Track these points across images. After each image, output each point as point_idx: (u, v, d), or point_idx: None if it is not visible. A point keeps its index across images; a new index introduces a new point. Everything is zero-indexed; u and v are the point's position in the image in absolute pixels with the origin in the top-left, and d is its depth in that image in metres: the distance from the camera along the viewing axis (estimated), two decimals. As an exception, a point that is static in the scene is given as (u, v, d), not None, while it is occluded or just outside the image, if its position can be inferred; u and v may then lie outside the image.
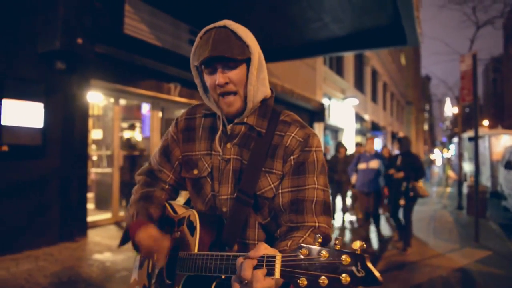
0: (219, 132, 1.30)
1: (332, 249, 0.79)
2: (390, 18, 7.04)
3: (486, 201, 9.11)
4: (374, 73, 27.00)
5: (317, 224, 1.15)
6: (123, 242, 1.35)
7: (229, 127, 1.28)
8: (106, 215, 7.13)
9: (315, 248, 0.82)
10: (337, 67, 18.64)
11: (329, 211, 1.20)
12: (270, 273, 0.87)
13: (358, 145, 7.49)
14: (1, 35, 4.95)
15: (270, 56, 9.30)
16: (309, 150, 1.22)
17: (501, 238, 7.04)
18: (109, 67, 6.49)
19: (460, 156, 12.08)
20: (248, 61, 1.22)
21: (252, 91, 1.23)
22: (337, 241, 0.80)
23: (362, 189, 6.46)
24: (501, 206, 11.29)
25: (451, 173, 22.84)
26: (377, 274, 0.74)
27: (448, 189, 17.54)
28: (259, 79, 1.25)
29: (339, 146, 8.49)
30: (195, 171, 1.33)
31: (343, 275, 0.75)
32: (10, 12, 5.06)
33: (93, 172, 8.02)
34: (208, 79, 1.23)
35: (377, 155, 6.51)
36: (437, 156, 47.12)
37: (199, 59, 1.18)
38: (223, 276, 1.11)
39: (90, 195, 7.38)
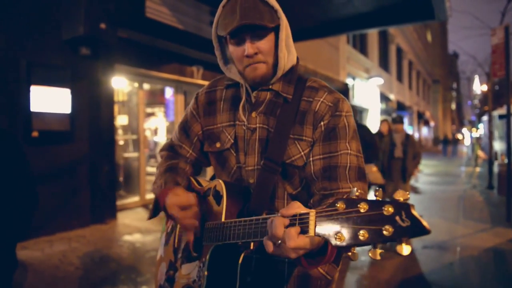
0: (243, 100, 1.25)
1: (373, 200, 0.71)
2: (416, -9, 6.77)
3: (518, 180, 8.82)
4: (399, 51, 26.29)
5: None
6: (153, 214, 1.32)
7: (253, 94, 1.23)
8: (134, 198, 7.29)
9: (353, 200, 0.74)
10: (361, 46, 18.22)
11: (364, 177, 1.14)
12: (304, 231, 0.80)
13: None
14: (27, 24, 5.03)
15: (292, 35, 9.14)
16: (339, 115, 1.16)
17: (535, 217, 6.82)
18: (132, 52, 6.54)
19: (490, 134, 11.68)
20: (276, 29, 1.18)
21: (283, 59, 1.19)
22: (377, 193, 0.73)
23: None
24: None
25: (481, 153, 22.21)
26: (424, 222, 0.65)
27: (478, 169, 17.06)
28: (288, 45, 1.22)
29: None
30: (218, 144, 1.30)
31: (386, 226, 0.67)
32: (35, 0, 5.12)
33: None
34: (234, 50, 1.18)
35: None
36: (466, 135, 45.83)
37: (227, 29, 1.11)
38: (251, 247, 1.07)
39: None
